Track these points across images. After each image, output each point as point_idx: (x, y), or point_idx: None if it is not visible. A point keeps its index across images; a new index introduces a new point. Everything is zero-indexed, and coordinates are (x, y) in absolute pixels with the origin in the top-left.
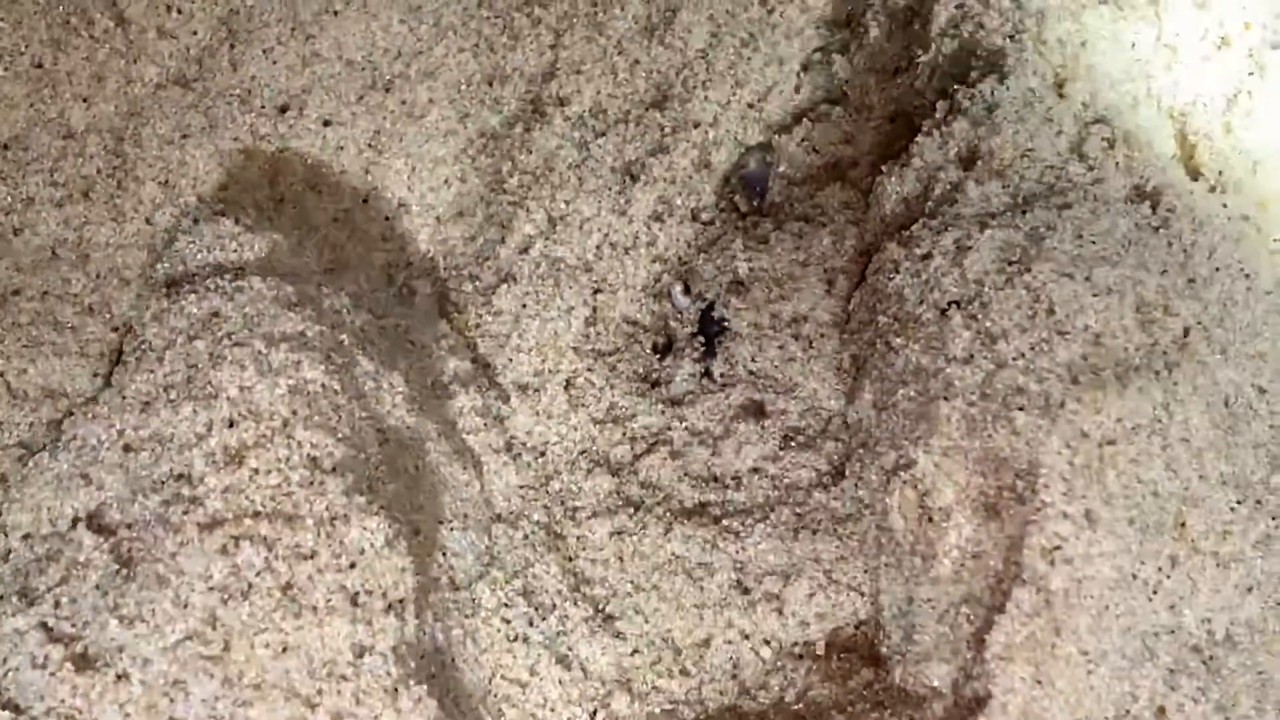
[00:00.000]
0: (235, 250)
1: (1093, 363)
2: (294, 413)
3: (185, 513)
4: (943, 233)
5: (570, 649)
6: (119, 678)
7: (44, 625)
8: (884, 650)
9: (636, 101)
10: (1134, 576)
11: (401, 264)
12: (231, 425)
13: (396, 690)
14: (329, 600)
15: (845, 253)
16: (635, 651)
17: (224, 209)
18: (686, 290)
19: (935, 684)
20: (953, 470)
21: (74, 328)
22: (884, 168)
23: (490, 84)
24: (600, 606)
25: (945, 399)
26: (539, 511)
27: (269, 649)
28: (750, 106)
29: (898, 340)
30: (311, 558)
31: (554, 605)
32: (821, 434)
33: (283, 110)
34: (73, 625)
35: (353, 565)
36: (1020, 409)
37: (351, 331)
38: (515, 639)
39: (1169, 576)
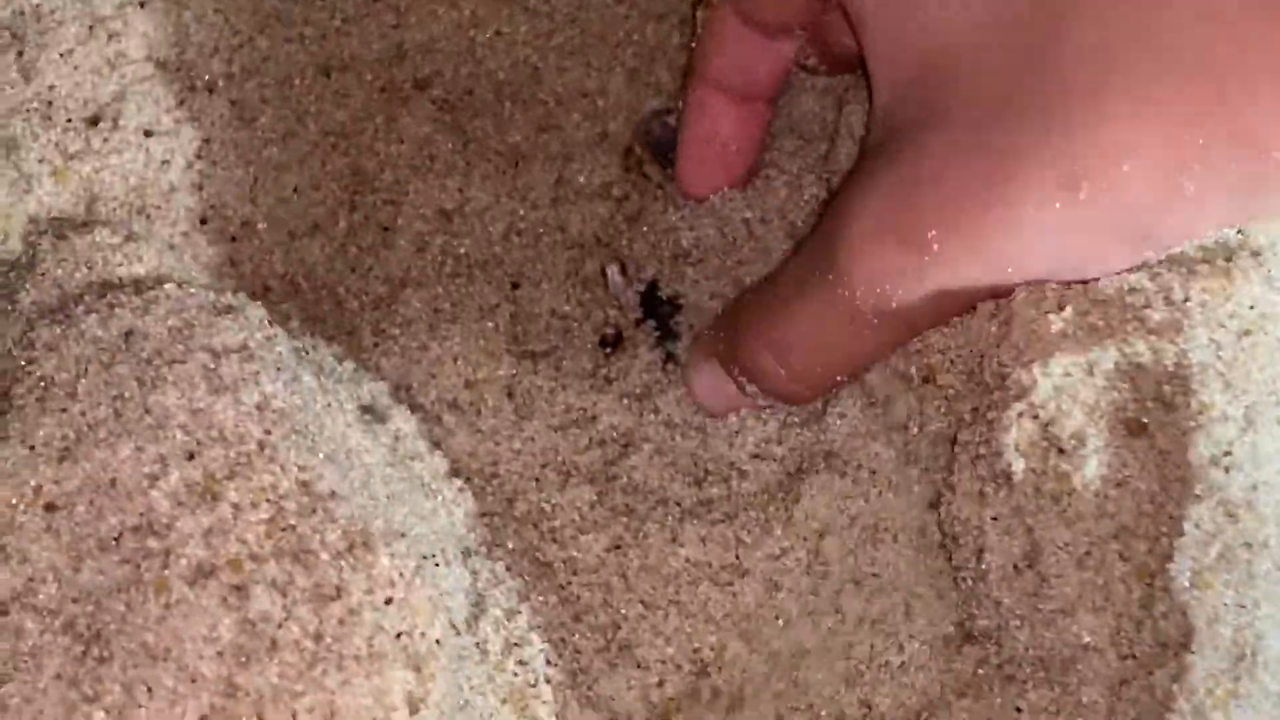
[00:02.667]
0: (122, 264)
1: (1187, 254)
2: (267, 432)
3: (163, 567)
4: None
5: (591, 688)
6: None
7: None
8: (986, 623)
9: (504, 80)
10: None
11: (257, 291)
12: (191, 457)
13: None
14: (371, 646)
15: (808, 202)
16: (661, 683)
17: (87, 222)
18: (624, 271)
19: (1087, 639)
20: (1078, 389)
21: None
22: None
23: (327, 74)
24: (611, 635)
25: (1054, 311)
26: (511, 538)
27: (314, 714)
28: (635, 71)
29: None
30: (338, 598)
31: (563, 640)
32: (828, 402)
33: (93, 122)
34: None
35: (389, 601)
36: (1146, 306)
37: (284, 344)
38: (536, 683)
39: None
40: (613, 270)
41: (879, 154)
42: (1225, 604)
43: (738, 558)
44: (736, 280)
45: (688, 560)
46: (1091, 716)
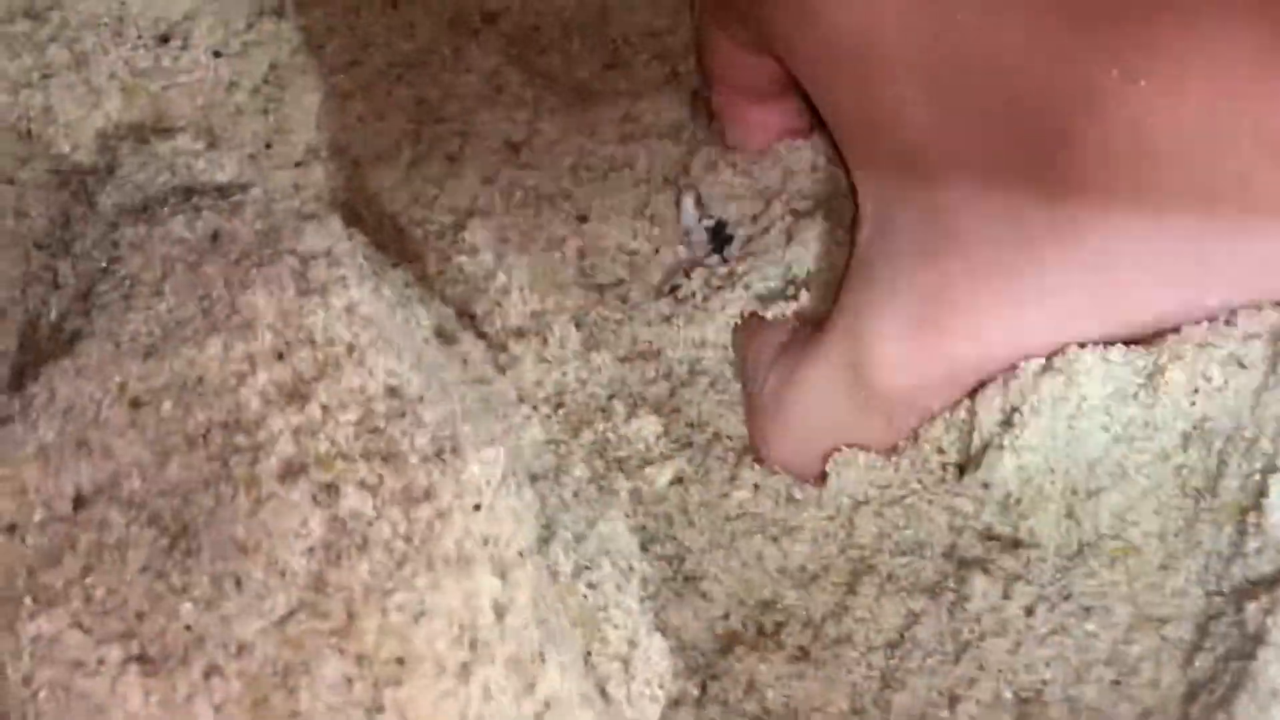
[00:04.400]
0: (205, 170)
1: None
2: (356, 336)
3: (253, 464)
4: None
5: (659, 615)
6: (208, 673)
7: (79, 625)
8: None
9: (570, 18)
10: None
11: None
12: (280, 357)
13: (543, 656)
14: (461, 550)
15: None
16: (726, 615)
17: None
18: (699, 203)
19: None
20: None
21: None
22: None
23: (395, 6)
24: (677, 566)
25: None
26: (578, 466)
27: (404, 613)
28: None
29: None
30: (427, 500)
31: (630, 567)
32: None
33: (164, 40)
34: (122, 619)
35: (477, 507)
36: None
37: (364, 255)
38: (606, 606)
39: None
40: (688, 200)
41: (888, 264)
42: None
43: (785, 516)
44: (803, 220)
45: (741, 507)
46: (1175, 652)
